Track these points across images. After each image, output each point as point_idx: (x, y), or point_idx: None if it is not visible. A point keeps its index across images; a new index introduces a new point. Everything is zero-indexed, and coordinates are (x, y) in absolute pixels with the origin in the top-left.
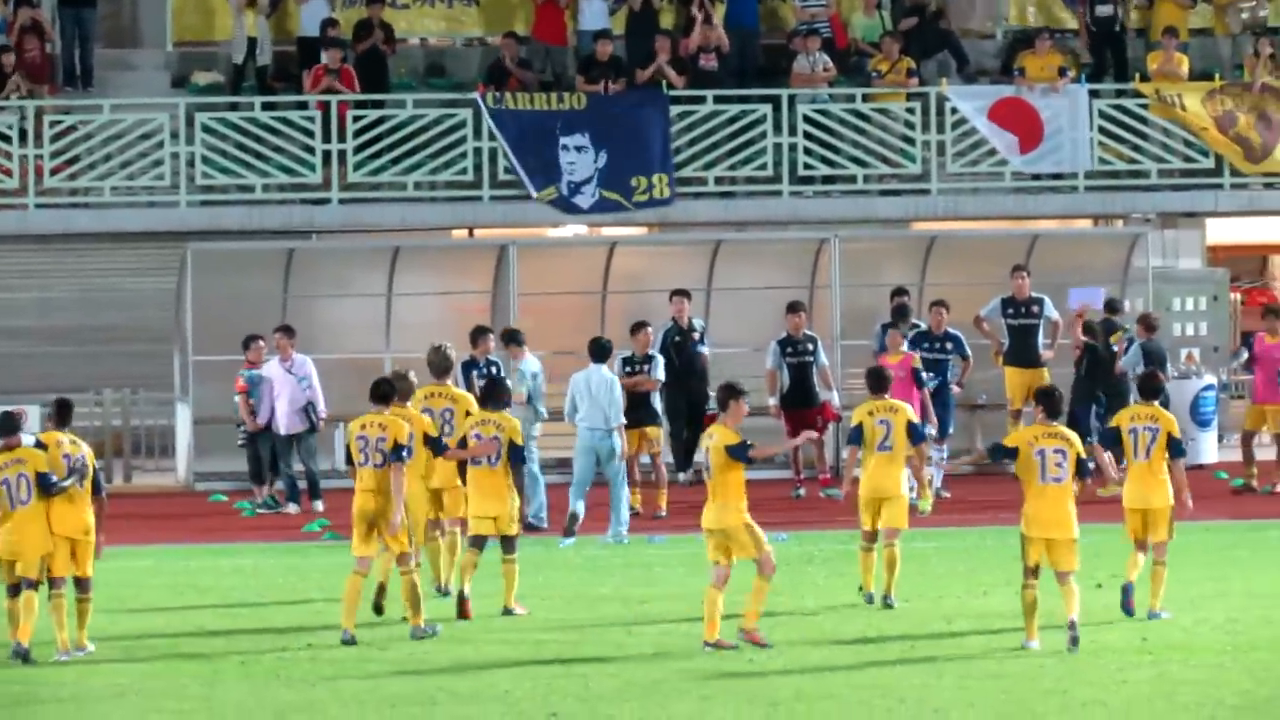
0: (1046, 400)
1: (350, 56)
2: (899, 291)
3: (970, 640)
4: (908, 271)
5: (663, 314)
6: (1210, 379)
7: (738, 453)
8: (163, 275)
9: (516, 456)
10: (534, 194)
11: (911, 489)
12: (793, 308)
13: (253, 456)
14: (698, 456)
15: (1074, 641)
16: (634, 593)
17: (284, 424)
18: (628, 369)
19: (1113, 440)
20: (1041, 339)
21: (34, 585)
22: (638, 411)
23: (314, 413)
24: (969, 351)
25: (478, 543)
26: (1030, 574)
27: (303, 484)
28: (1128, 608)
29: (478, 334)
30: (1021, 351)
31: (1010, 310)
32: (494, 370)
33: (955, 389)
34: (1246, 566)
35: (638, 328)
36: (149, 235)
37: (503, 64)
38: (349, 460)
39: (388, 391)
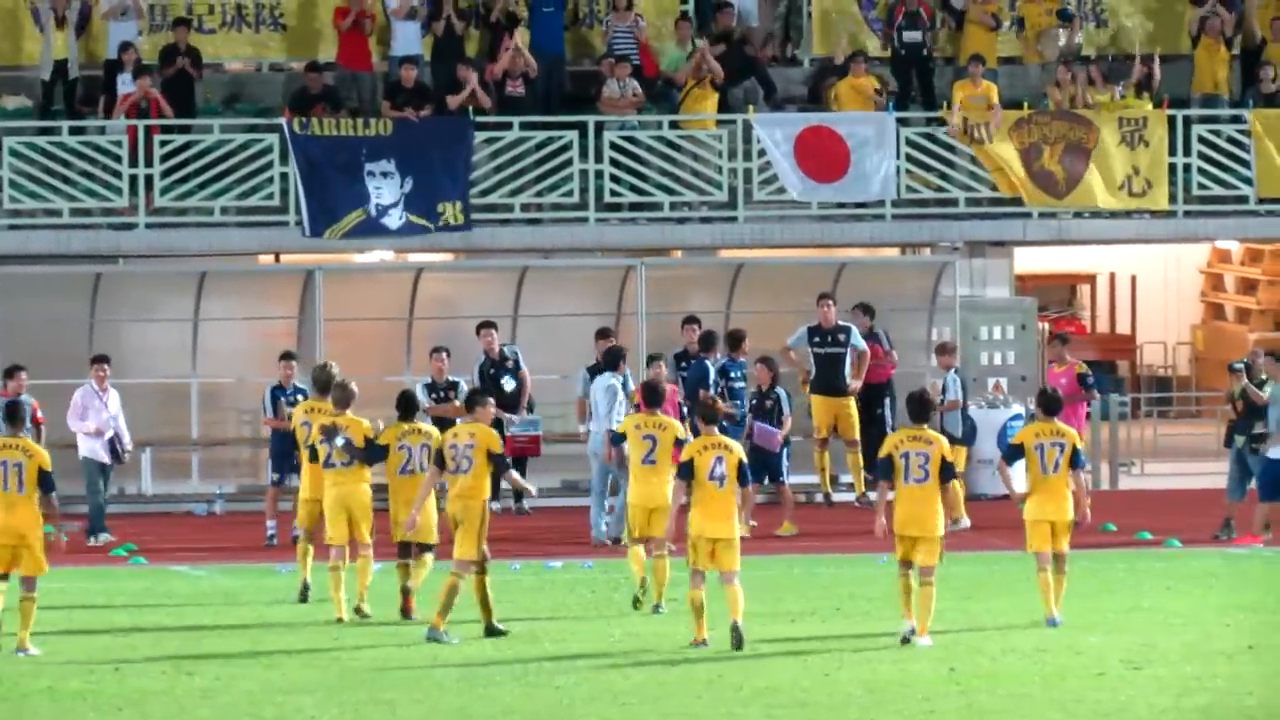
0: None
1: (156, 81)
2: (690, 320)
3: (774, 662)
4: (715, 299)
5: (470, 339)
6: (1018, 408)
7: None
8: None
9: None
10: (307, 232)
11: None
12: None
13: None
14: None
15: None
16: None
17: (89, 452)
18: (432, 396)
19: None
20: (847, 368)
21: None
22: None
23: (120, 445)
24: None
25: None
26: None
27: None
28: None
29: (285, 358)
30: (827, 380)
31: (816, 339)
32: (301, 396)
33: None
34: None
35: (436, 352)
36: None
37: (308, 93)
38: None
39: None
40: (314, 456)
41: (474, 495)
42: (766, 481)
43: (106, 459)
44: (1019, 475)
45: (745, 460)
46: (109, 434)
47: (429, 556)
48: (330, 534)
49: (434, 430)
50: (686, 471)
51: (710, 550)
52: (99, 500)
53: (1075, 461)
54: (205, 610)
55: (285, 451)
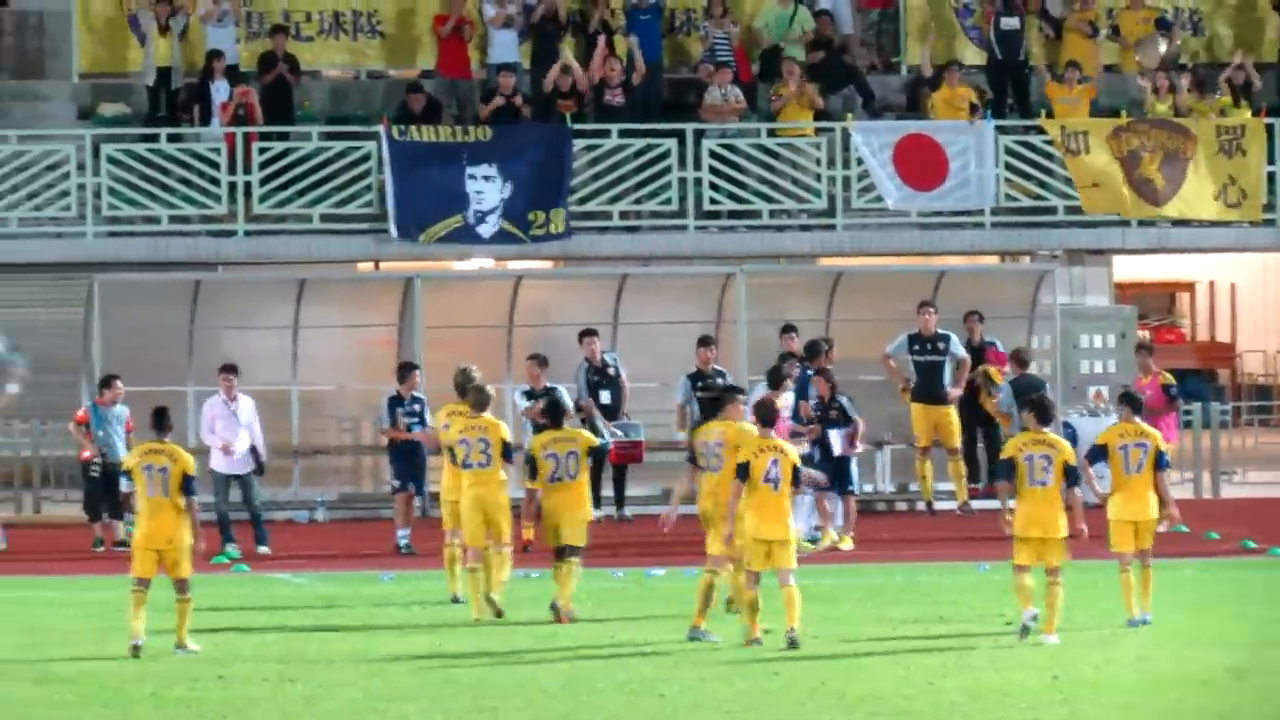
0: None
1: (255, 88)
2: (788, 328)
3: (877, 670)
4: (814, 307)
5: (569, 346)
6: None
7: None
8: (69, 306)
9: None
10: (395, 235)
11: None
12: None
13: (89, 492)
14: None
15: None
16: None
17: (224, 464)
18: (529, 400)
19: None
20: (948, 375)
21: None
22: None
23: (257, 455)
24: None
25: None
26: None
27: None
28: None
29: (404, 370)
30: (928, 388)
31: (916, 347)
32: (418, 407)
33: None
34: (1157, 604)
35: (531, 360)
36: (55, 266)
37: (409, 111)
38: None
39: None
40: (455, 458)
41: (725, 493)
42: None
43: (240, 470)
44: (1101, 477)
45: (799, 464)
46: (246, 445)
47: (576, 564)
48: (467, 535)
49: (582, 434)
50: (743, 473)
51: (766, 551)
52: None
53: (1159, 463)
54: (307, 617)
55: (406, 459)
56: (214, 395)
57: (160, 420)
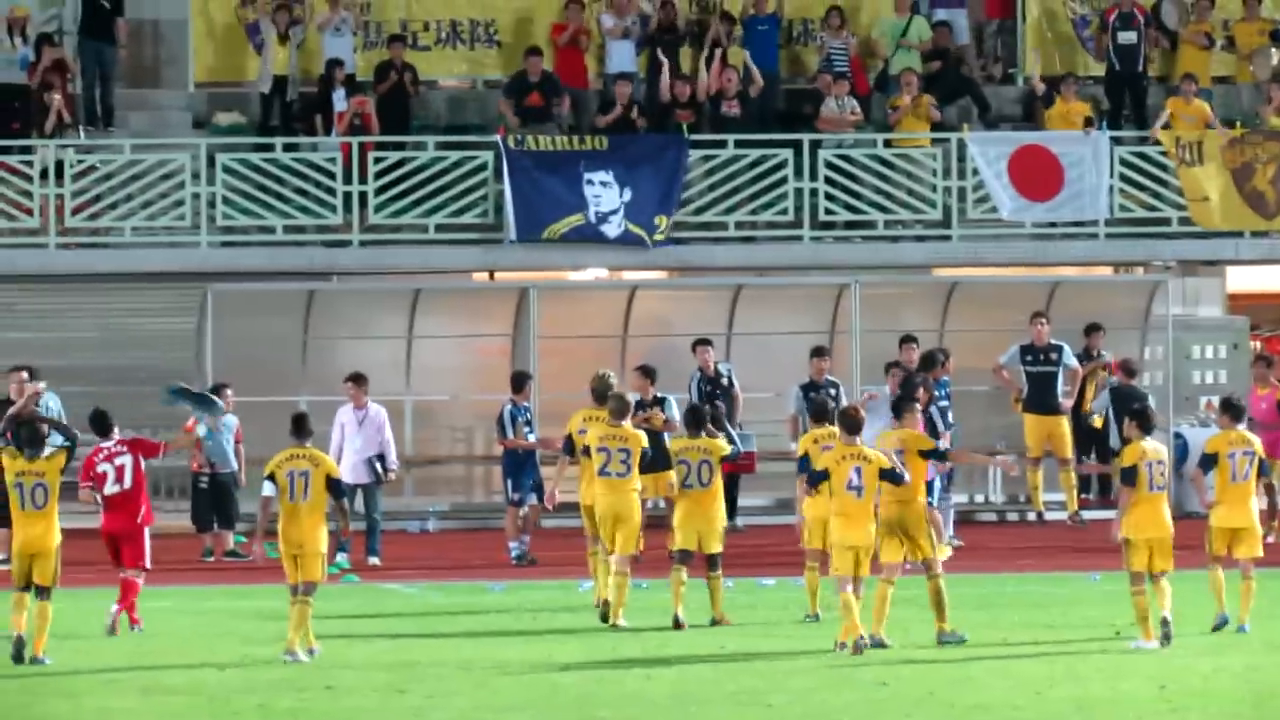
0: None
1: (373, 97)
2: (908, 339)
3: (986, 680)
4: (928, 317)
5: (683, 356)
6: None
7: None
8: (183, 316)
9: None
10: (514, 237)
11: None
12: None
13: (197, 502)
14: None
15: (1168, 637)
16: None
17: (349, 473)
18: (637, 411)
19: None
20: (1060, 386)
21: None
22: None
23: (381, 464)
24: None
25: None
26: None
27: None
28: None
29: (520, 379)
30: (1040, 398)
31: (1029, 357)
32: (529, 415)
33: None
34: (1265, 615)
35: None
36: (169, 275)
37: (526, 78)
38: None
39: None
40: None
41: (915, 498)
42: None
43: (364, 478)
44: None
45: (888, 467)
46: (370, 454)
47: (720, 580)
48: (607, 540)
49: (716, 443)
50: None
51: (854, 558)
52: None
53: (1262, 470)
54: (417, 627)
55: (521, 470)
56: (344, 405)
57: (300, 426)
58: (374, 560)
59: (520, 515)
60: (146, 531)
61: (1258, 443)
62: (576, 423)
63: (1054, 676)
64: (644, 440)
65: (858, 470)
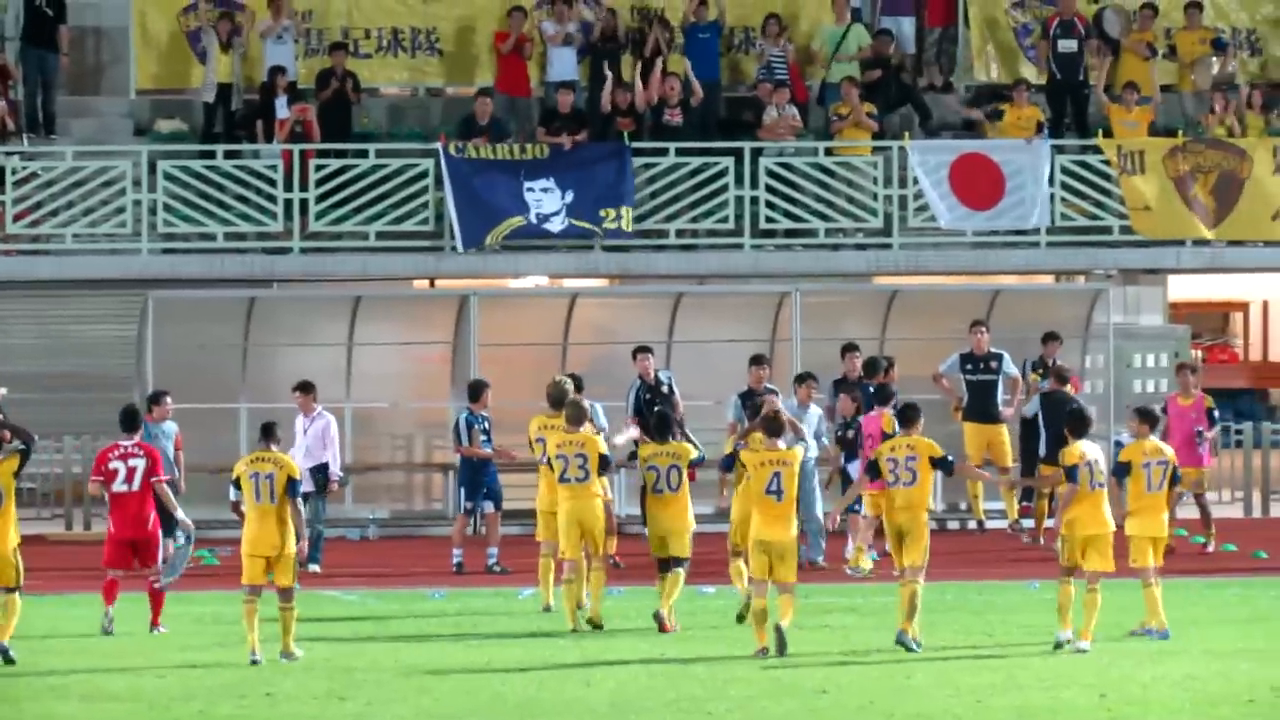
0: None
1: (314, 105)
2: (850, 348)
3: (926, 689)
4: (869, 326)
5: (623, 364)
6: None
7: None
8: (123, 323)
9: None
10: (460, 246)
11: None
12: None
13: None
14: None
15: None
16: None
17: None
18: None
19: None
20: (1000, 395)
21: None
22: None
23: (326, 473)
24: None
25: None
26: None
27: None
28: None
29: (476, 387)
30: (980, 407)
31: (969, 366)
32: (488, 425)
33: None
34: (1204, 624)
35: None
36: (110, 282)
37: (474, 121)
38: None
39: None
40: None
41: (920, 506)
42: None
43: (308, 487)
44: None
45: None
46: (315, 462)
47: (680, 574)
48: (563, 548)
49: (685, 448)
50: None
51: (768, 561)
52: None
53: (1174, 479)
54: (357, 634)
55: (475, 479)
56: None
57: (269, 432)
58: (314, 568)
59: (474, 524)
60: (160, 534)
61: (1170, 452)
62: (534, 430)
63: (994, 685)
64: (601, 445)
65: (777, 475)
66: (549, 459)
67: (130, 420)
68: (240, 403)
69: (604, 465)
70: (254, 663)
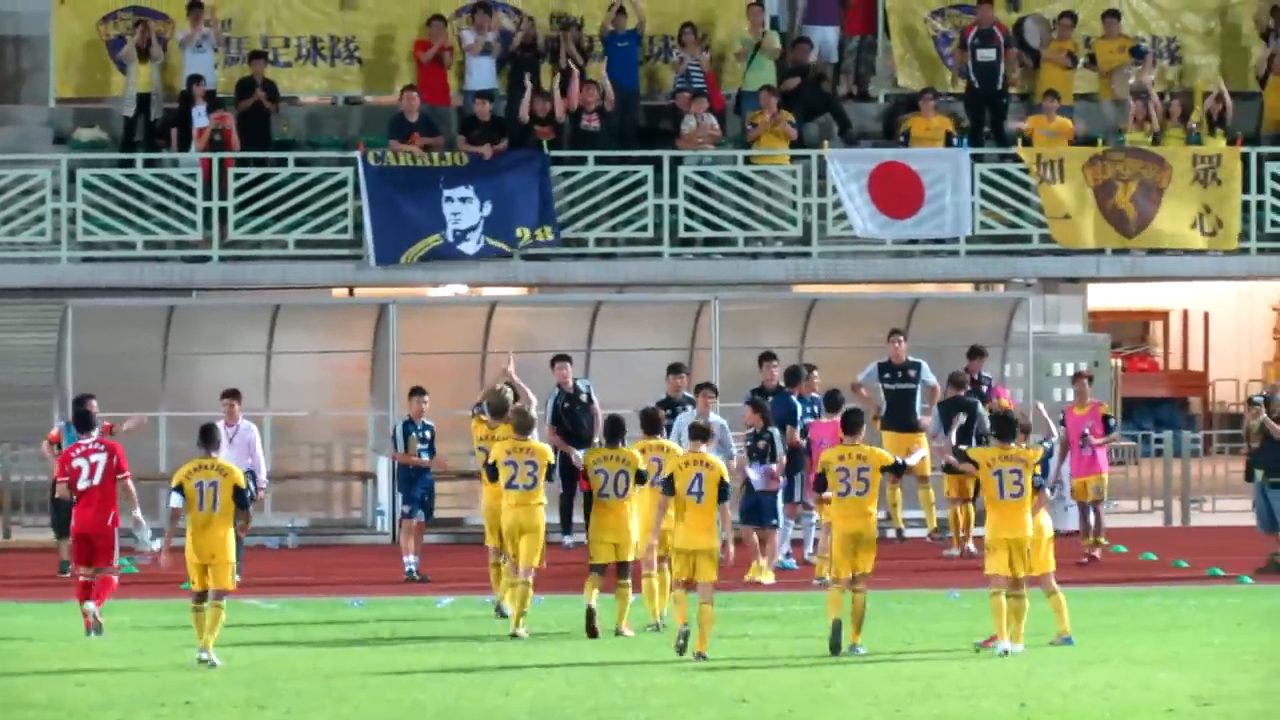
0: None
1: (234, 113)
2: (767, 356)
3: (844, 699)
4: (788, 334)
5: (542, 372)
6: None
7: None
8: (43, 331)
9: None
10: (373, 261)
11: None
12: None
13: (57, 512)
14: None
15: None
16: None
17: None
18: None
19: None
20: (919, 403)
21: None
22: None
23: (254, 482)
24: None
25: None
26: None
27: None
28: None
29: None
30: (899, 416)
31: (887, 375)
32: (429, 433)
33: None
34: (1124, 633)
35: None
36: (29, 291)
37: (405, 120)
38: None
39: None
40: (493, 476)
41: (873, 515)
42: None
43: None
44: None
45: (726, 478)
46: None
47: (628, 589)
48: (512, 554)
49: (636, 455)
50: (669, 487)
51: (691, 562)
52: None
53: (1037, 485)
54: (277, 643)
55: (411, 485)
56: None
57: (208, 437)
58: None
59: (393, 531)
60: (115, 532)
61: (1031, 455)
62: (475, 440)
63: (913, 694)
64: (550, 454)
65: (699, 476)
66: (495, 464)
67: (84, 420)
68: (160, 411)
69: (550, 474)
70: (202, 661)
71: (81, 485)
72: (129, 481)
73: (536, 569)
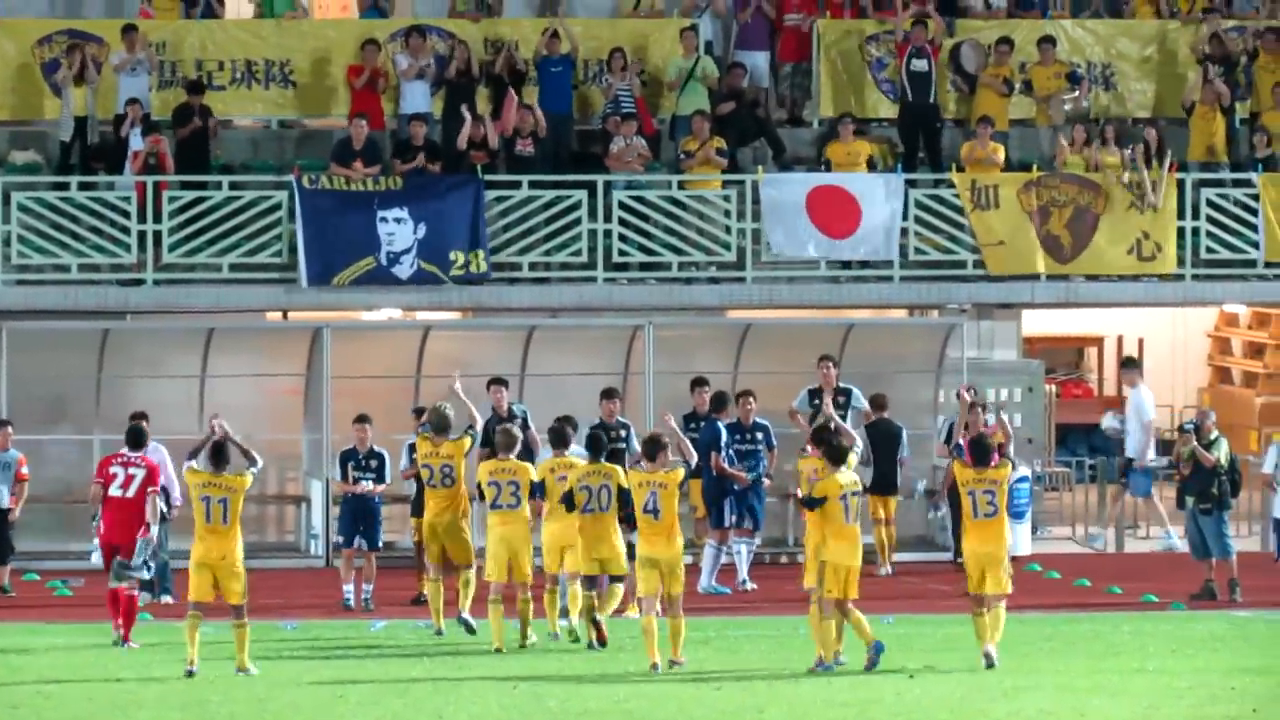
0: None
1: (169, 136)
2: (699, 382)
3: None
4: (722, 359)
5: (477, 397)
6: (1025, 470)
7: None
8: None
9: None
10: (305, 282)
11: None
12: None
13: None
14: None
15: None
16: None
17: None
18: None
19: None
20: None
21: None
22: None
23: (162, 501)
24: (775, 442)
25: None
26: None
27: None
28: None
29: (360, 421)
30: None
31: (817, 401)
32: (376, 463)
33: (765, 481)
34: (1058, 659)
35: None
36: None
37: (349, 146)
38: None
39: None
40: (429, 482)
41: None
42: None
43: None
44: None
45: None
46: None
47: (619, 587)
48: (489, 570)
49: (618, 469)
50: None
51: (658, 574)
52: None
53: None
54: (210, 667)
55: (356, 516)
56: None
57: (218, 455)
58: (166, 599)
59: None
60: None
61: (859, 484)
62: (421, 459)
63: (846, 719)
64: (532, 472)
65: (654, 494)
66: (480, 486)
67: (135, 437)
68: (94, 434)
69: (534, 492)
70: (189, 674)
71: (113, 492)
72: (156, 497)
73: (524, 584)
